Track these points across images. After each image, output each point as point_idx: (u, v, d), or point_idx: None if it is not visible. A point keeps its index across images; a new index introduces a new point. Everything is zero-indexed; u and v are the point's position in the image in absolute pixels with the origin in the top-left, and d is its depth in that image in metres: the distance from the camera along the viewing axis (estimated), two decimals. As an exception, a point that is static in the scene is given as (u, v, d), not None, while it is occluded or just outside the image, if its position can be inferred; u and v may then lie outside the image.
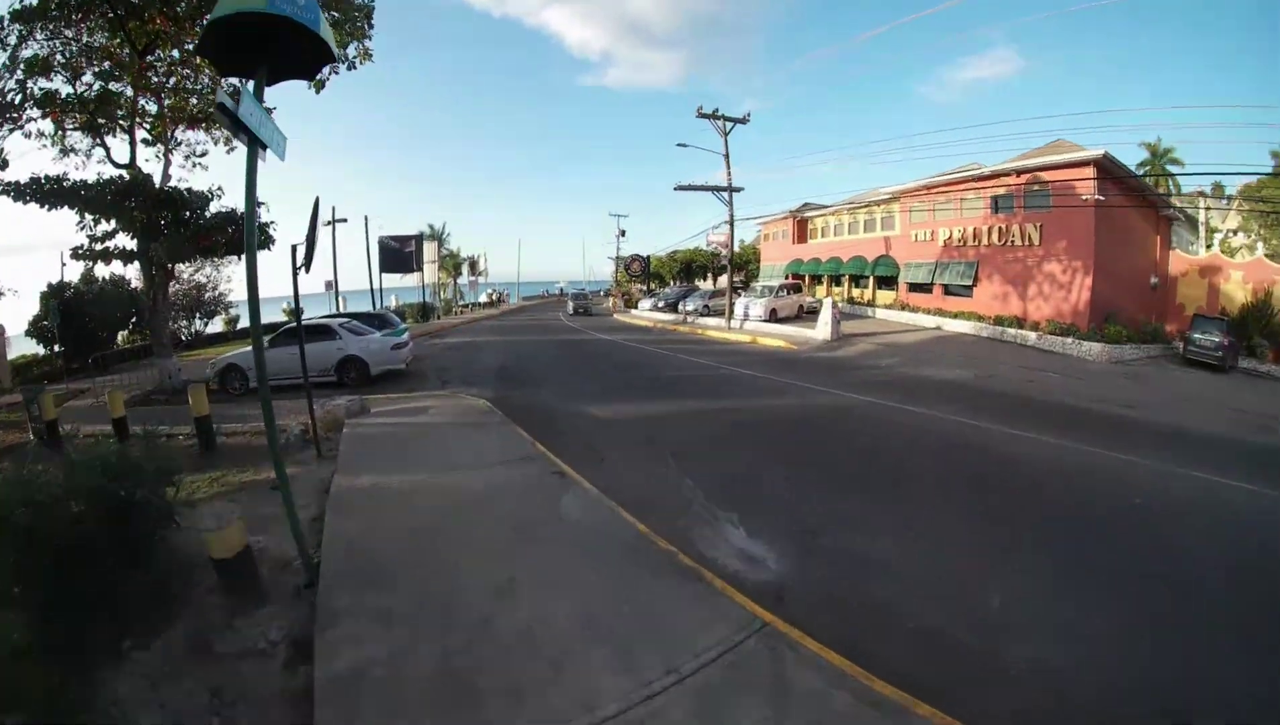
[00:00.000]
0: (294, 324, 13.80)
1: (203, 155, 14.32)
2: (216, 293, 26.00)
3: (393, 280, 34.98)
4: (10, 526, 3.01)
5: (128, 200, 10.77)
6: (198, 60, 11.50)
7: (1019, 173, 20.30)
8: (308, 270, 6.71)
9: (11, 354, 18.96)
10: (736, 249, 26.81)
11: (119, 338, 22.97)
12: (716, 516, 5.25)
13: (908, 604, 3.85)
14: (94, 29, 11.49)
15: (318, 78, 10.57)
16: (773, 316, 24.25)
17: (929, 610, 3.78)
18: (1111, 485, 6.34)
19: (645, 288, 46.30)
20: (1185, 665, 3.37)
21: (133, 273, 18.42)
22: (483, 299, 53.67)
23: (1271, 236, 24.67)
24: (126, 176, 11.47)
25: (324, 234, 30.92)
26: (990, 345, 18.75)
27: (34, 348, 20.79)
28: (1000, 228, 20.95)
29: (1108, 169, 18.50)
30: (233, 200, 11.88)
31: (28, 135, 12.25)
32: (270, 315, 31.41)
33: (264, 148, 3.44)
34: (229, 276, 25.68)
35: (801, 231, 35.10)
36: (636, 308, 38.09)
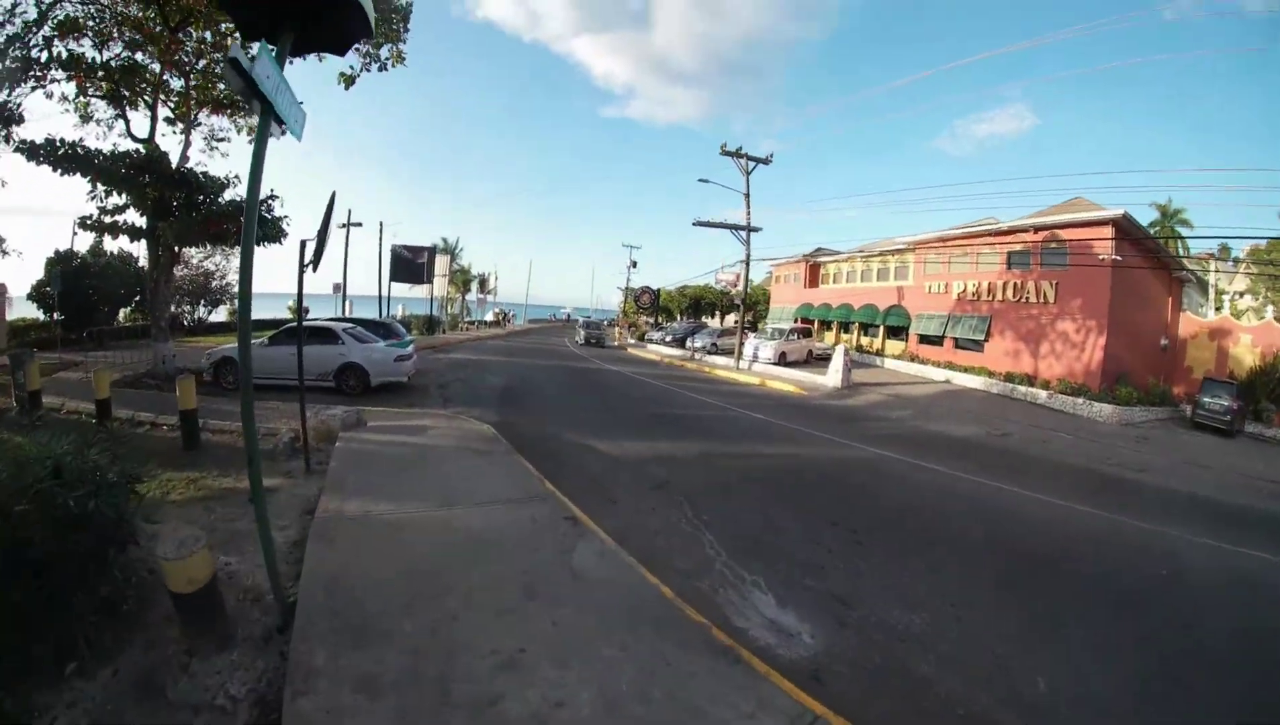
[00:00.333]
0: (296, 322, 13.60)
1: (223, 141, 14.16)
2: (224, 282, 25.76)
3: (401, 290, 34.86)
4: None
5: (142, 175, 10.58)
6: (228, 40, 11.36)
7: (1037, 230, 20.24)
8: (315, 269, 6.33)
9: (12, 316, 18.74)
10: (744, 289, 26.64)
11: (120, 315, 22.65)
12: (742, 579, 4.78)
13: (951, 684, 3.60)
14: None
15: (348, 73, 10.42)
16: (782, 360, 23.94)
17: (975, 693, 3.54)
18: (1136, 555, 6.34)
19: (653, 321, 46.16)
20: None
21: (140, 250, 18.21)
22: (489, 317, 53.39)
23: (1278, 298, 24.52)
24: (143, 151, 11.27)
25: (337, 236, 30.90)
26: (1000, 402, 18.54)
27: (34, 312, 20.45)
28: (1015, 283, 20.78)
29: (1126, 229, 18.43)
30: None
31: (49, 96, 12.07)
32: (274, 311, 31.23)
33: (280, 123, 3.03)
34: (237, 267, 25.45)
35: (814, 276, 35.06)
36: (643, 340, 37.86)
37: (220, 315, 27.03)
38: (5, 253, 15.37)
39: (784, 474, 8.38)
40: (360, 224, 31.60)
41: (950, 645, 4.05)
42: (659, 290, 47.81)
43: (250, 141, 15.22)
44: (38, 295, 19.84)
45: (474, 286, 50.69)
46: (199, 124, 13.28)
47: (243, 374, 3.23)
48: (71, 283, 18.55)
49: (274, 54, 2.98)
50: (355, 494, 5.36)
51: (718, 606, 4.25)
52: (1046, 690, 3.62)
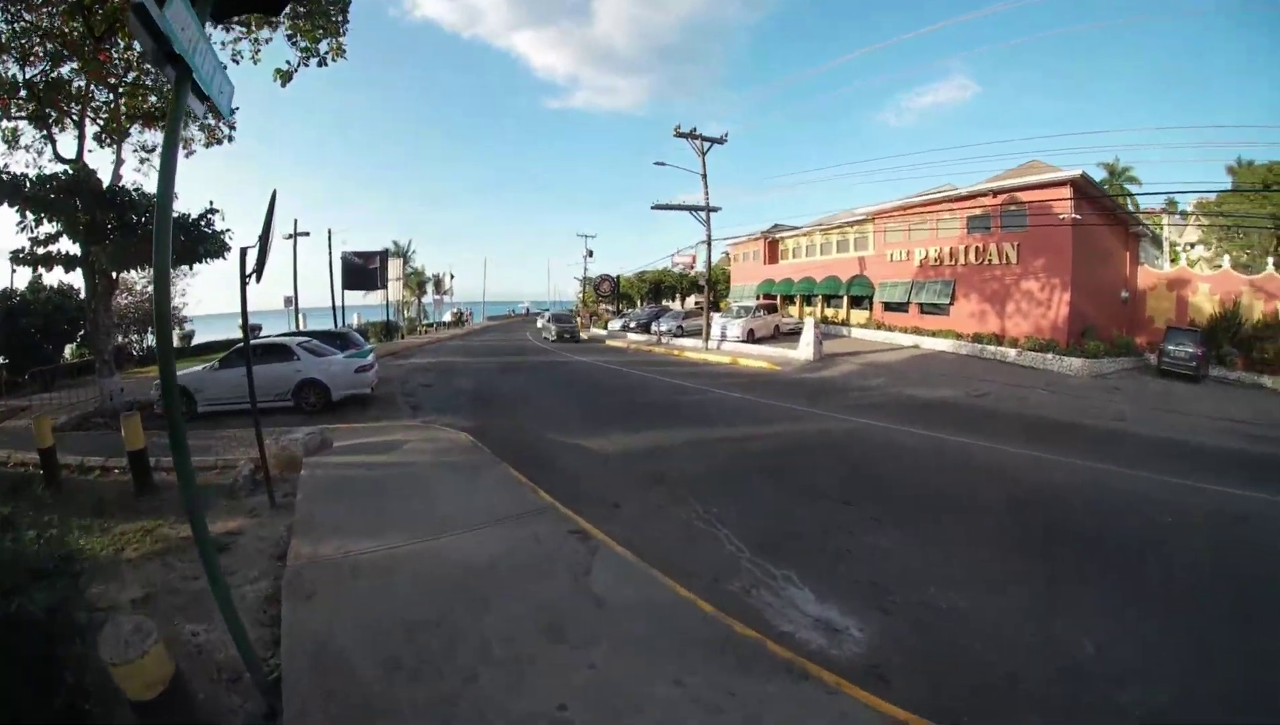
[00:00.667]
0: (252, 341, 12.60)
1: (156, 152, 13.00)
2: (171, 307, 24.14)
3: (355, 298, 33.40)
4: None
5: (72, 199, 9.70)
6: None
7: (996, 193, 20.47)
8: (259, 279, 5.66)
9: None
10: (704, 270, 26.36)
11: (66, 351, 20.96)
12: (772, 575, 4.45)
13: (1012, 664, 3.50)
14: (54, 13, 10.27)
15: (284, 68, 9.53)
16: (750, 337, 23.81)
17: (1034, 668, 3.47)
18: (1138, 504, 6.38)
19: (614, 308, 45.53)
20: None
21: (78, 280, 16.84)
22: (447, 318, 51.86)
23: (1232, 248, 25.64)
24: (70, 171, 10.27)
25: (285, 247, 29.23)
26: (971, 362, 18.80)
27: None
28: (977, 247, 21.02)
29: (1084, 189, 18.80)
30: (186, 204, 10.71)
31: None
32: (226, 331, 29.48)
33: (202, 97, 2.42)
34: (184, 290, 23.96)
35: (773, 252, 35.01)
36: (605, 328, 37.24)
37: (171, 342, 25.38)
38: None
39: (781, 455, 8.13)
40: (308, 233, 30.05)
41: (992, 619, 3.97)
42: (618, 277, 47.22)
43: (187, 156, 13.99)
44: (-25, 340, 18.11)
45: (429, 288, 49.08)
46: (129, 135, 12.13)
47: (169, 412, 2.57)
48: (11, 323, 17.22)
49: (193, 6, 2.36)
50: (330, 531, 4.75)
51: (757, 611, 3.93)
52: (1097, 655, 3.56)
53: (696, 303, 48.01)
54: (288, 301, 29.82)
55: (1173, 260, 24.94)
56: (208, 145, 12.73)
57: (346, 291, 31.30)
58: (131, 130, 12.17)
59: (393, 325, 34.05)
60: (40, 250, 10.28)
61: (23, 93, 10.69)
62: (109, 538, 5.04)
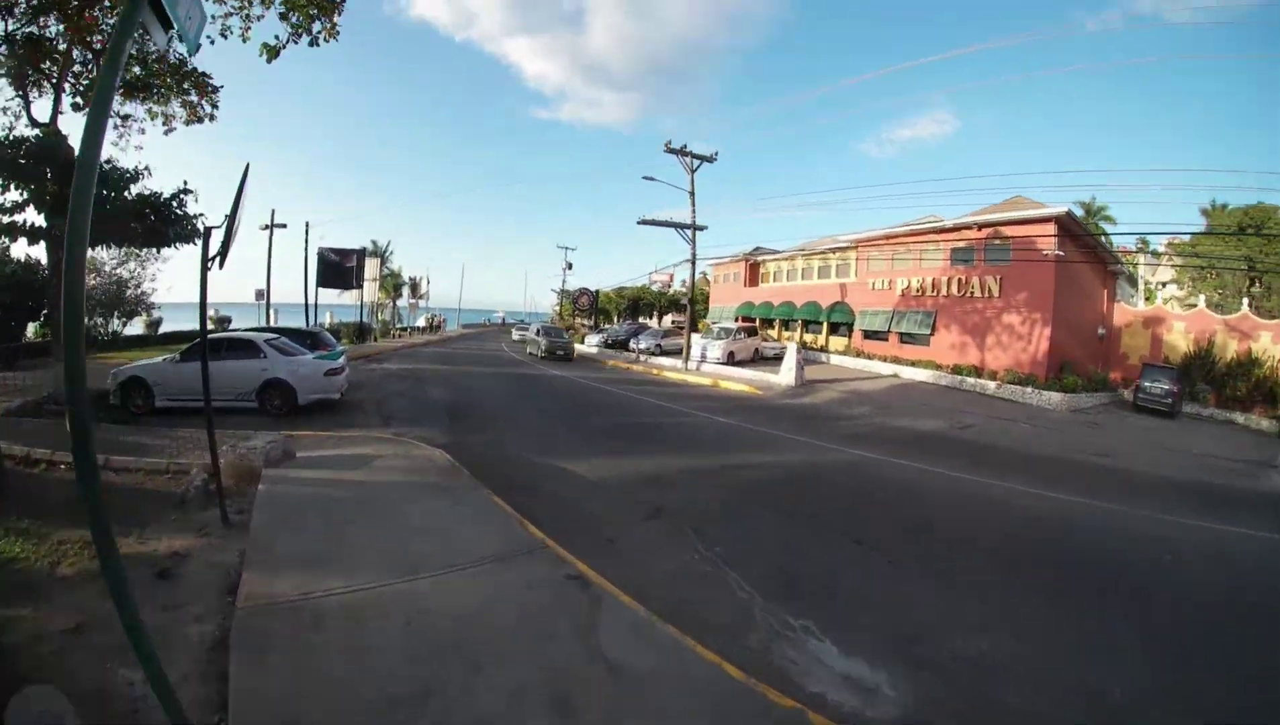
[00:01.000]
0: (216, 334, 11.80)
1: (133, 124, 12.16)
2: (139, 291, 22.69)
3: (329, 296, 32.17)
4: None
5: (42, 166, 8.92)
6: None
7: (981, 227, 20.73)
8: (221, 265, 5.09)
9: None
10: (683, 289, 26.15)
11: (30, 329, 19.53)
12: (791, 627, 4.05)
13: (1044, 709, 3.42)
14: None
15: (272, 44, 8.96)
16: (730, 359, 23.57)
17: (1070, 715, 3.39)
18: (1135, 543, 6.47)
19: (591, 323, 45.00)
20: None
21: (42, 254, 15.70)
22: (420, 323, 50.61)
23: (1205, 288, 26.54)
24: (41, 136, 9.43)
25: (261, 238, 28.11)
26: (951, 393, 18.92)
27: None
28: (960, 279, 21.23)
29: (1068, 226, 19.16)
30: (160, 181, 9.97)
31: None
32: (195, 322, 27.74)
33: (163, 20, 1.91)
34: (154, 274, 22.69)
35: (753, 275, 35.07)
36: (582, 342, 36.69)
37: (136, 327, 23.89)
38: None
39: (779, 485, 7.84)
40: (285, 225, 28.94)
41: (1026, 667, 3.85)
42: (597, 292, 46.78)
43: (167, 133, 13.20)
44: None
45: (405, 291, 47.80)
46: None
47: (72, 422, 2.00)
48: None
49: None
50: (289, 563, 4.16)
51: (780, 670, 3.55)
52: (1125, 700, 3.55)
53: (674, 321, 47.80)
54: (259, 295, 28.58)
55: (1147, 298, 25.66)
56: (188, 122, 11.95)
57: (321, 289, 30.16)
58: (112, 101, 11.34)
59: (366, 327, 32.84)
60: (5, 218, 9.44)
61: (2, 47, 9.89)
62: (46, 547, 4.43)
